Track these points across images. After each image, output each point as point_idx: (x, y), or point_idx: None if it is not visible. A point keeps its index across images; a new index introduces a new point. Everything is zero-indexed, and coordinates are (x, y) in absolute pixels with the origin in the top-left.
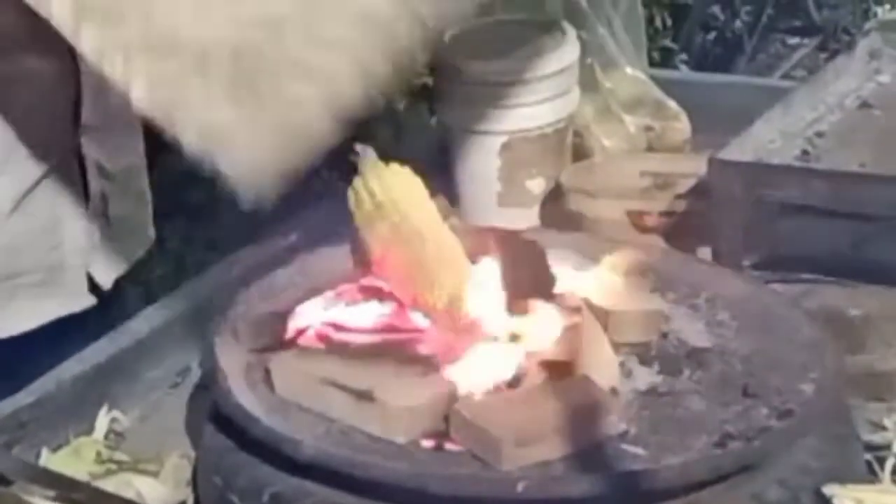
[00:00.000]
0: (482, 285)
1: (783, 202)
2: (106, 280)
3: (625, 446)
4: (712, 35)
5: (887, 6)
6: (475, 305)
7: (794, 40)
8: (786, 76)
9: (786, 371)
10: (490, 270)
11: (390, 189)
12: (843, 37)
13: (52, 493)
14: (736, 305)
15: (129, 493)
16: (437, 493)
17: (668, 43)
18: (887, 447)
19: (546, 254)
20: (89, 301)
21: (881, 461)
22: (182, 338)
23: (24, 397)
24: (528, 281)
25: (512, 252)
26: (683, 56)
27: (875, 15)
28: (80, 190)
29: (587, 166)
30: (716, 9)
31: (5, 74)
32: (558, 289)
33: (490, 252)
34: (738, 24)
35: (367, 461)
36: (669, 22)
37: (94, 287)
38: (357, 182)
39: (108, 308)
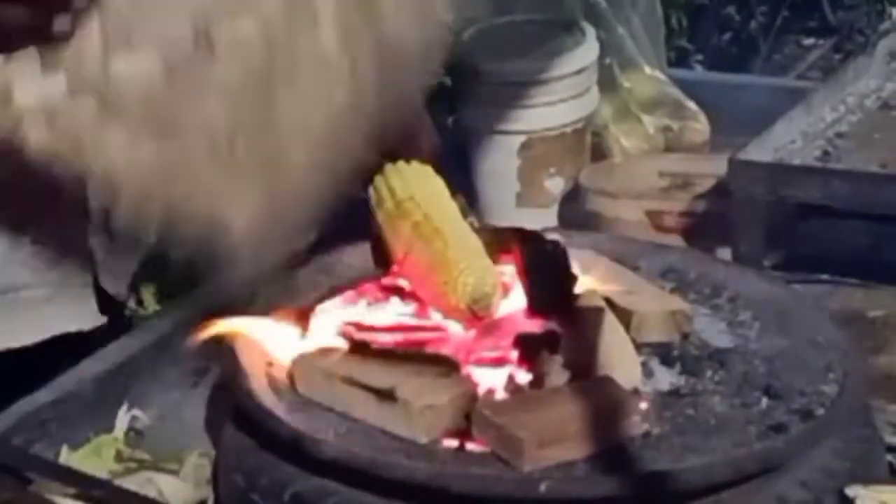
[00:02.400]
0: (504, 285)
1: (804, 203)
2: (119, 292)
3: (647, 447)
4: (728, 36)
5: None
6: (497, 306)
7: (809, 41)
8: (801, 77)
9: (808, 372)
10: (511, 270)
11: (412, 188)
12: (858, 38)
13: (72, 491)
14: (758, 306)
15: (149, 492)
16: (458, 493)
17: (683, 43)
18: None
19: (567, 253)
20: (99, 320)
21: None
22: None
23: (44, 395)
24: (549, 281)
25: (533, 252)
26: (699, 56)
27: (890, 16)
28: (81, 205)
29: (606, 166)
30: (731, 9)
31: None
32: (579, 289)
33: (511, 252)
34: (753, 24)
35: (388, 461)
36: (685, 22)
37: (108, 300)
38: (378, 180)
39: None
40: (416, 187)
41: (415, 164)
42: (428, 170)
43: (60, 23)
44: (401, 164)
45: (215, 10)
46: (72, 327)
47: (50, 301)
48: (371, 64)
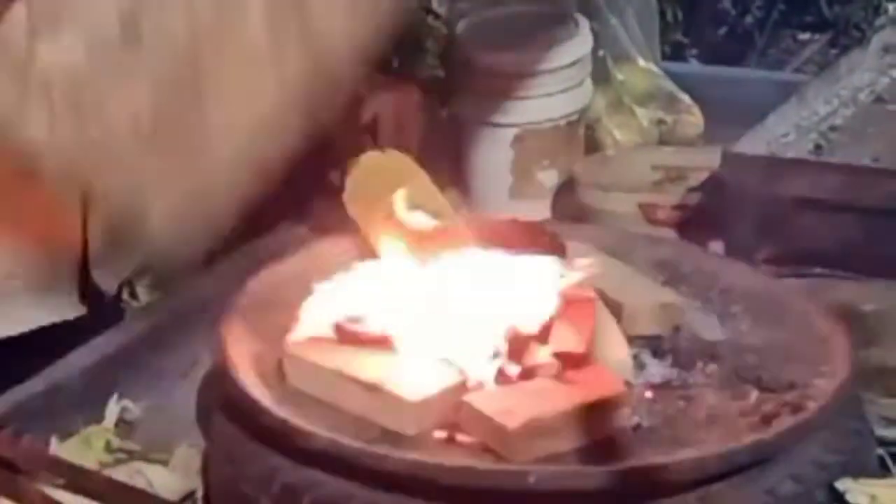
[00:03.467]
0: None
1: (797, 196)
2: (109, 286)
3: (637, 439)
4: (723, 30)
5: None
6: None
7: (804, 35)
8: (796, 71)
9: (799, 365)
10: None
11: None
12: (854, 32)
13: (61, 482)
14: (749, 299)
15: (139, 482)
16: (448, 484)
17: (679, 37)
18: None
19: (564, 246)
20: (79, 310)
21: (894, 456)
22: (191, 328)
23: (34, 386)
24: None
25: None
26: (694, 51)
27: (886, 11)
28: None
29: (599, 159)
30: (727, 4)
31: None
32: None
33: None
34: (749, 19)
35: (378, 452)
36: (681, 16)
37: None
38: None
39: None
40: (385, 175)
41: (382, 154)
42: (394, 156)
43: None
44: (373, 155)
45: (144, 0)
46: (53, 318)
47: (31, 291)
48: (300, 59)
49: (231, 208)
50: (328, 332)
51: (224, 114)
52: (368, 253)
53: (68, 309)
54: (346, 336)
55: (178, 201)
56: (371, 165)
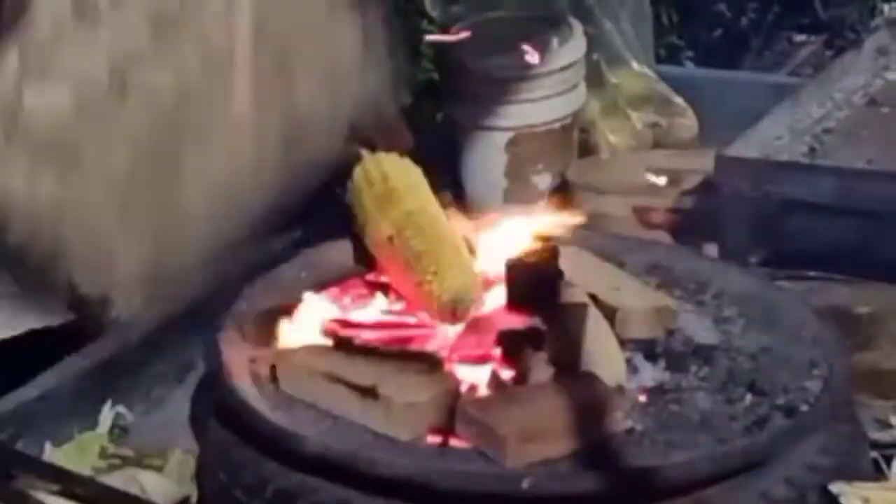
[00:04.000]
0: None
1: (790, 199)
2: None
3: (631, 443)
4: (718, 32)
5: (894, 3)
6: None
7: (800, 38)
8: (792, 74)
9: (792, 368)
10: (495, 267)
11: (403, 176)
12: (850, 34)
13: (55, 488)
14: (743, 302)
15: (133, 488)
16: (442, 489)
17: (674, 39)
18: (893, 445)
19: (556, 249)
20: (67, 316)
21: (888, 459)
22: (186, 333)
23: (28, 391)
24: (534, 277)
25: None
26: (689, 53)
27: (882, 12)
28: None
29: (594, 162)
30: (722, 6)
31: None
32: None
33: (497, 245)
34: (744, 21)
35: (371, 457)
36: (675, 18)
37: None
38: (367, 164)
39: None
40: (406, 177)
41: (393, 156)
42: (407, 161)
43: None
44: (380, 154)
45: (134, 56)
46: (41, 324)
47: (18, 296)
48: (280, 128)
49: (197, 266)
50: (321, 337)
51: (201, 175)
52: (366, 259)
53: (55, 315)
54: (340, 341)
55: (147, 259)
56: (372, 170)
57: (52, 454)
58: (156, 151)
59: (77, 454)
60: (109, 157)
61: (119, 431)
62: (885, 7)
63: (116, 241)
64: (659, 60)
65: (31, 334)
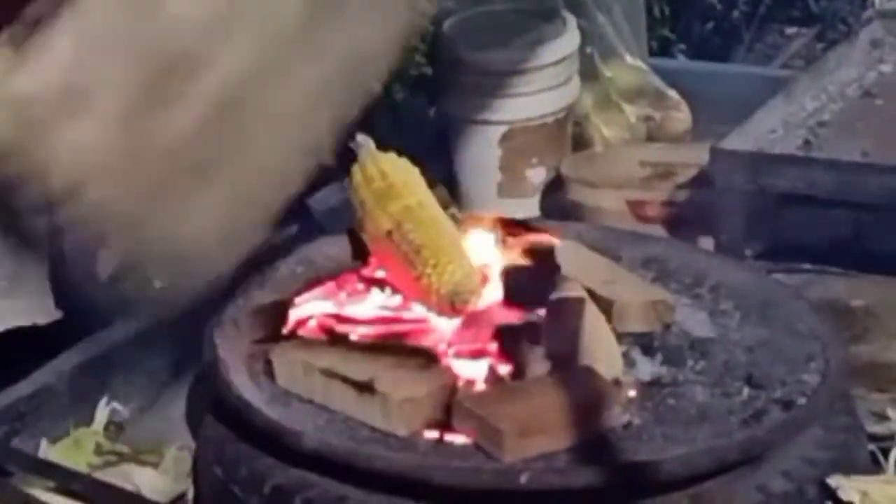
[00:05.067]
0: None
1: (785, 192)
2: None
3: (628, 437)
4: (710, 25)
5: None
6: (473, 304)
7: (791, 30)
8: (784, 66)
9: (789, 362)
10: (493, 261)
11: (401, 173)
12: (841, 26)
13: (51, 485)
14: (739, 295)
15: (128, 485)
16: (439, 484)
17: (666, 32)
18: (891, 438)
19: (552, 244)
20: (54, 315)
21: (885, 452)
22: (182, 329)
23: (23, 388)
24: (530, 271)
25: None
26: (682, 46)
27: (873, 4)
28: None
29: (588, 156)
30: None
31: None
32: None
33: (494, 241)
34: (735, 13)
35: (368, 452)
36: (668, 11)
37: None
38: (366, 161)
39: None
40: (403, 173)
41: (391, 154)
42: (405, 160)
43: (33, 8)
44: (378, 153)
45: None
46: (27, 321)
47: (5, 295)
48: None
49: (265, 219)
50: (318, 332)
51: (262, 149)
52: (361, 254)
53: (43, 313)
54: (336, 336)
55: (216, 220)
56: (370, 167)
57: (47, 451)
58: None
59: (73, 451)
60: (172, 131)
61: (114, 427)
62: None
63: (185, 206)
64: (651, 53)
65: (18, 332)
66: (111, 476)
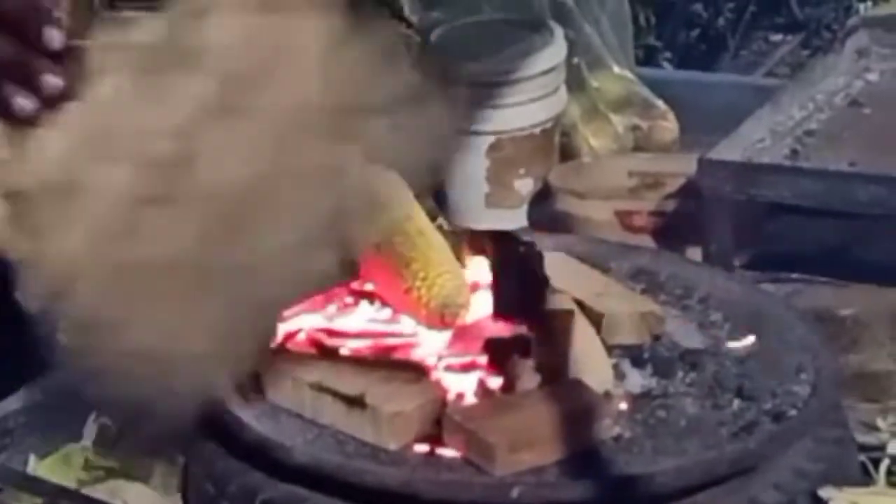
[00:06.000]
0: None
1: (773, 202)
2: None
3: (619, 450)
4: (695, 32)
5: (869, 3)
6: (463, 317)
7: (776, 37)
8: (769, 73)
9: (780, 373)
10: (482, 274)
11: (385, 185)
12: (826, 34)
13: (39, 501)
14: (729, 306)
15: (118, 501)
16: (430, 499)
17: (651, 41)
18: (881, 448)
19: (541, 256)
20: None
21: (875, 462)
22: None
23: (11, 403)
24: (519, 284)
25: (504, 254)
26: (667, 54)
27: (857, 12)
28: None
29: (575, 166)
30: (699, 6)
31: None
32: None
33: (482, 253)
34: (721, 21)
35: (359, 467)
36: (653, 20)
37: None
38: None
39: None
40: (391, 185)
41: (380, 168)
42: (394, 173)
43: (21, 103)
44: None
45: (200, 126)
46: None
47: None
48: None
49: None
50: (307, 345)
51: (272, 239)
52: (350, 267)
53: None
54: (326, 350)
55: (215, 326)
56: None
57: (36, 467)
58: (226, 220)
59: (61, 466)
60: (173, 228)
61: (104, 443)
62: (861, 6)
63: (182, 312)
64: (637, 62)
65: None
66: (100, 492)
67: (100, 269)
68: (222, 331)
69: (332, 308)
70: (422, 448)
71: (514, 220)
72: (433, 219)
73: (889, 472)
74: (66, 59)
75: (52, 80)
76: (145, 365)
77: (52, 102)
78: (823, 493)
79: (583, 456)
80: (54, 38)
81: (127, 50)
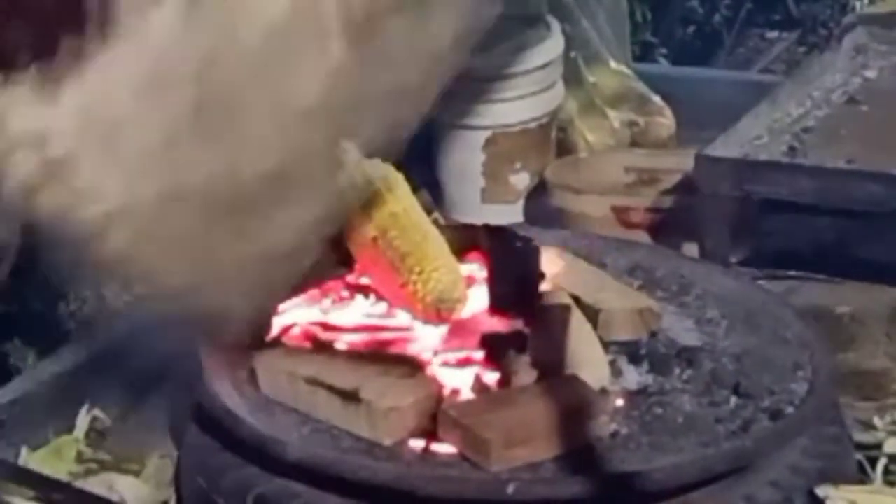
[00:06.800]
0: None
1: (770, 198)
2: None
3: (615, 447)
4: (692, 29)
5: (865, 0)
6: (459, 311)
7: (772, 34)
8: (765, 70)
9: (777, 370)
10: (478, 269)
11: (386, 180)
12: (822, 31)
13: (31, 493)
14: (725, 303)
15: (110, 493)
16: (424, 494)
17: (648, 37)
18: (877, 447)
19: (538, 251)
20: None
21: (872, 460)
22: (164, 336)
23: (3, 395)
24: (515, 279)
25: (501, 248)
26: (663, 50)
27: (853, 9)
28: None
29: (572, 161)
30: (695, 3)
31: None
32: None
33: (478, 248)
34: (717, 17)
35: (353, 462)
36: (649, 16)
37: None
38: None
39: None
40: (388, 180)
41: (376, 161)
42: (390, 167)
43: (68, 48)
44: (364, 160)
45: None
46: None
47: None
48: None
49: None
50: (303, 340)
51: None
52: (345, 261)
53: None
54: (321, 344)
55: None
56: (355, 174)
57: (27, 459)
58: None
59: (53, 459)
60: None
61: (96, 435)
62: (857, 4)
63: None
64: (633, 58)
65: None
66: (92, 484)
67: (138, 210)
68: (245, 274)
69: (327, 302)
70: (417, 443)
71: (510, 215)
72: (429, 213)
73: (886, 471)
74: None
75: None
76: (175, 299)
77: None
78: (820, 491)
79: (579, 452)
80: None
81: None
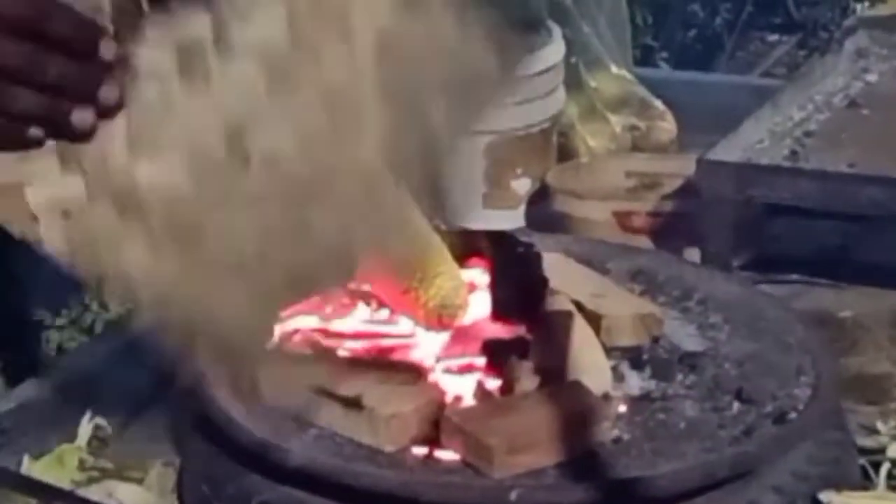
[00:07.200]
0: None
1: (772, 202)
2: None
3: (618, 453)
4: (692, 33)
5: (866, 3)
6: (461, 317)
7: (773, 38)
8: (765, 74)
9: (780, 375)
10: (479, 275)
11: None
12: (822, 34)
13: (33, 501)
14: (728, 308)
15: (112, 501)
16: (428, 501)
17: (648, 41)
18: (881, 451)
19: (540, 256)
20: None
21: (875, 465)
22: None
23: (5, 403)
24: (517, 285)
25: (503, 254)
26: (664, 54)
27: (854, 12)
28: None
29: (573, 166)
30: (696, 6)
31: None
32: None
33: (481, 254)
34: (718, 21)
35: (356, 469)
36: (650, 20)
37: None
38: None
39: None
40: None
41: None
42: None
43: (81, 117)
44: None
45: (252, 119)
46: None
47: None
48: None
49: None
50: (304, 346)
51: (332, 238)
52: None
53: None
54: (323, 351)
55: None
56: None
57: (30, 467)
58: (281, 217)
59: (56, 467)
60: (233, 227)
61: (98, 443)
62: (858, 7)
63: (244, 313)
64: (634, 62)
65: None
66: (95, 492)
67: (165, 273)
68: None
69: (329, 309)
70: (420, 450)
71: (511, 220)
72: (430, 219)
73: (889, 476)
74: (116, 67)
75: (110, 92)
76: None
77: (108, 113)
78: (823, 496)
79: (581, 459)
80: (109, 49)
81: (174, 49)
